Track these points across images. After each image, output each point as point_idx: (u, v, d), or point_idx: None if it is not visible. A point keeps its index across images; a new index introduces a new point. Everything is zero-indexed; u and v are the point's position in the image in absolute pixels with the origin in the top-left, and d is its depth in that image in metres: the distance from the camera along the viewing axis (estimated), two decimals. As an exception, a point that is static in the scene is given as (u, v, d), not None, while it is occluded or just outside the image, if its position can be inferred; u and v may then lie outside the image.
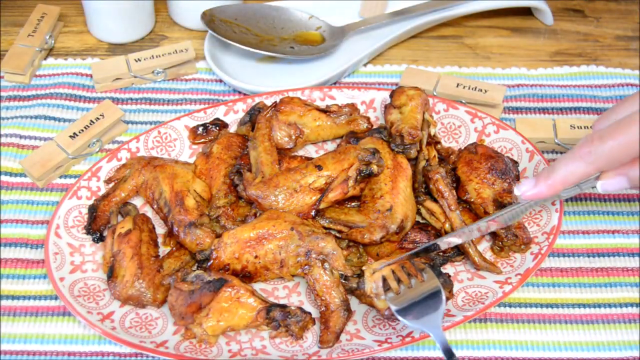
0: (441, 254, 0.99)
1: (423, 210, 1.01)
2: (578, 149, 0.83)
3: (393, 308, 0.89)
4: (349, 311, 0.92)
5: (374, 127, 1.12)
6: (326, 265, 0.93)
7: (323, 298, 0.92)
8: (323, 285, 0.93)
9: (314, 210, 0.98)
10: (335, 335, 0.91)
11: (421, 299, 0.89)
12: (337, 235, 0.98)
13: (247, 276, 0.95)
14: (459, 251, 0.99)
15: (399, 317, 0.88)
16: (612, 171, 0.85)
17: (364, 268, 0.93)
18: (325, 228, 0.98)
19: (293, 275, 0.96)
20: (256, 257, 0.95)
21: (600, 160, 0.82)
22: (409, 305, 0.89)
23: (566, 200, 1.07)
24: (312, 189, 0.98)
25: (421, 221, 1.03)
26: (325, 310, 0.92)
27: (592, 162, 0.82)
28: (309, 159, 1.05)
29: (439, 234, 1.00)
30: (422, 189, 1.03)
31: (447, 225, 0.99)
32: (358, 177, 0.98)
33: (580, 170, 0.83)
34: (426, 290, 0.90)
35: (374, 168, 0.98)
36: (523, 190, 0.88)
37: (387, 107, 1.09)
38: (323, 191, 0.98)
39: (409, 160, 1.04)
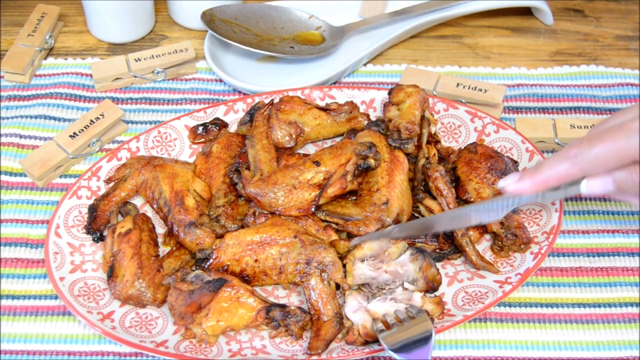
0: (437, 250, 0.99)
1: (422, 208, 1.01)
2: (566, 149, 0.83)
3: (384, 344, 0.86)
4: (341, 324, 0.92)
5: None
6: (324, 275, 0.93)
7: (317, 307, 0.92)
8: (319, 295, 0.92)
9: (313, 207, 0.98)
10: (325, 343, 0.90)
11: (411, 335, 0.86)
12: (335, 227, 0.98)
13: (245, 280, 0.95)
14: (456, 249, 0.99)
15: (389, 351, 0.85)
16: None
17: (346, 261, 0.94)
18: (322, 220, 0.98)
19: (290, 283, 0.95)
20: (256, 260, 0.95)
21: (586, 163, 0.81)
22: (399, 339, 0.86)
23: (566, 200, 1.07)
24: (311, 185, 0.98)
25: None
26: (317, 319, 0.92)
27: (577, 163, 0.82)
28: (307, 156, 1.05)
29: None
30: (422, 186, 1.03)
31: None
32: (356, 172, 0.98)
33: (565, 170, 0.83)
34: (416, 326, 0.87)
35: (371, 162, 0.98)
36: (507, 183, 0.88)
37: (385, 105, 1.09)
38: (322, 187, 0.98)
39: (407, 155, 1.04)
